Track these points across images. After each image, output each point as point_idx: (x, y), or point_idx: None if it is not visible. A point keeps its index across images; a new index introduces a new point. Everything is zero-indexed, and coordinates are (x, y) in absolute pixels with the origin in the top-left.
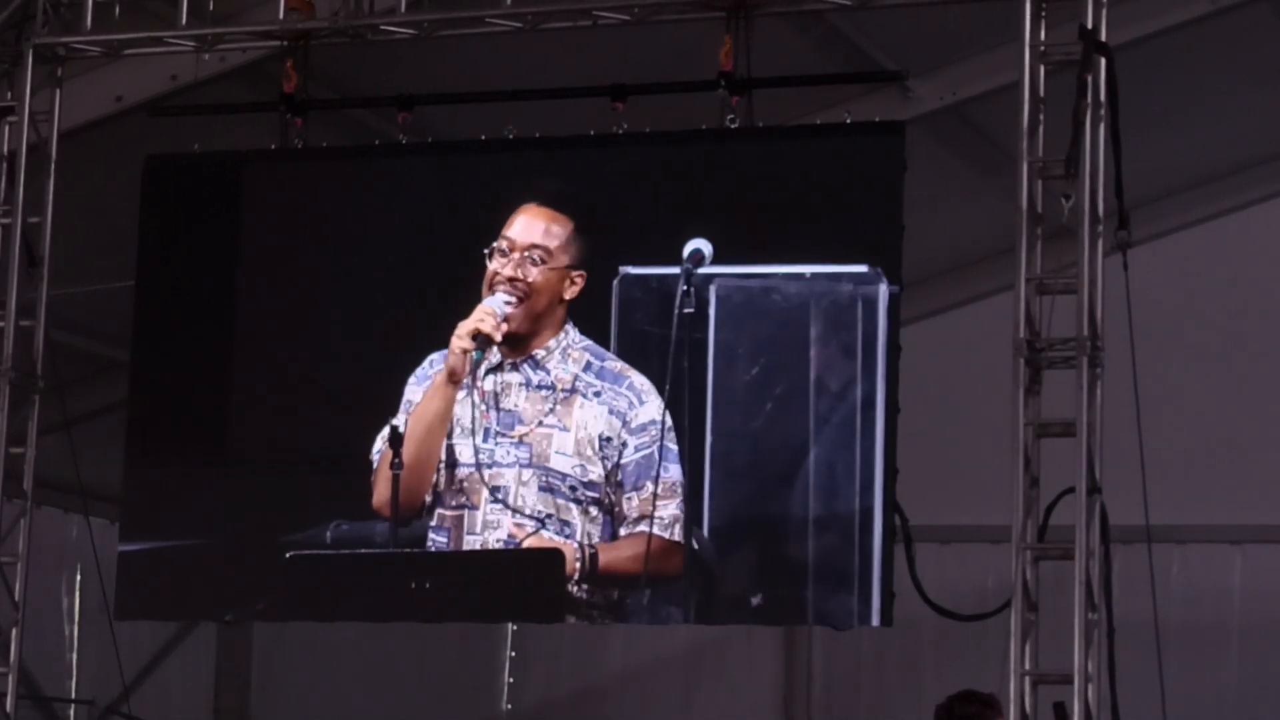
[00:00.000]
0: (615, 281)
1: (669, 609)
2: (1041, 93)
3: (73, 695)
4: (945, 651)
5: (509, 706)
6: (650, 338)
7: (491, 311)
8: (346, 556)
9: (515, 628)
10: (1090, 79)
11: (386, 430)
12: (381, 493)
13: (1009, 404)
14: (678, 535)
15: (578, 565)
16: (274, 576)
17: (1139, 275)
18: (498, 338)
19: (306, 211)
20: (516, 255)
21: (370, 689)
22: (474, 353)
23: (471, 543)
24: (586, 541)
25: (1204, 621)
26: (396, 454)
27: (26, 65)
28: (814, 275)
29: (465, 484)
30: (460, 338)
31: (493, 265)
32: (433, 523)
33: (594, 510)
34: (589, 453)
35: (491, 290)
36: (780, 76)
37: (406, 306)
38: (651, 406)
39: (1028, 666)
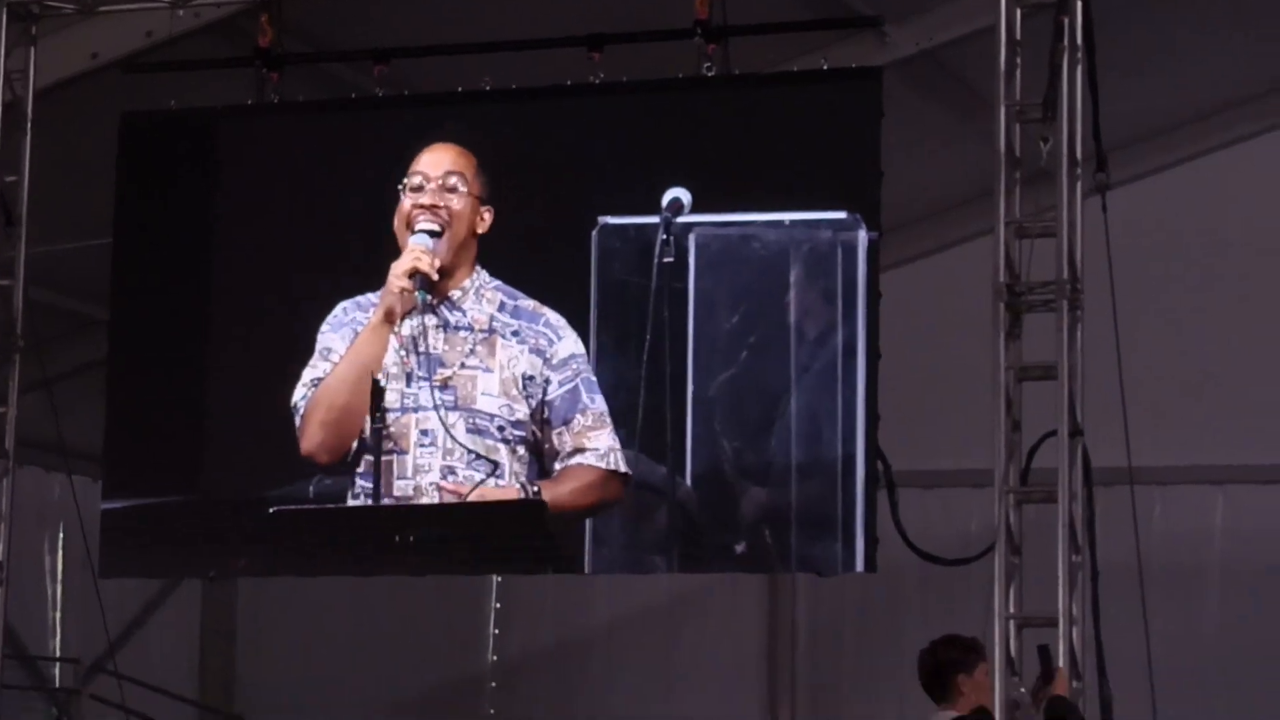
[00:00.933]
0: (594, 232)
1: (652, 557)
2: (1018, 36)
3: (57, 654)
4: (929, 596)
5: (495, 658)
6: (630, 287)
7: (425, 248)
8: (329, 511)
9: (500, 579)
10: (1067, 21)
11: (305, 376)
12: (313, 438)
13: (990, 348)
14: (614, 464)
15: None
16: (257, 532)
17: (1118, 217)
18: (434, 275)
19: (283, 166)
20: (433, 185)
21: (355, 642)
22: (418, 292)
23: (403, 487)
24: (526, 483)
25: (1187, 563)
26: (377, 406)
27: (0, 23)
28: (793, 222)
29: (393, 429)
30: (398, 277)
31: (409, 200)
32: (360, 469)
33: (521, 449)
34: (514, 392)
35: (411, 228)
36: (756, 24)
37: (382, 257)
38: (569, 340)
39: (1012, 610)
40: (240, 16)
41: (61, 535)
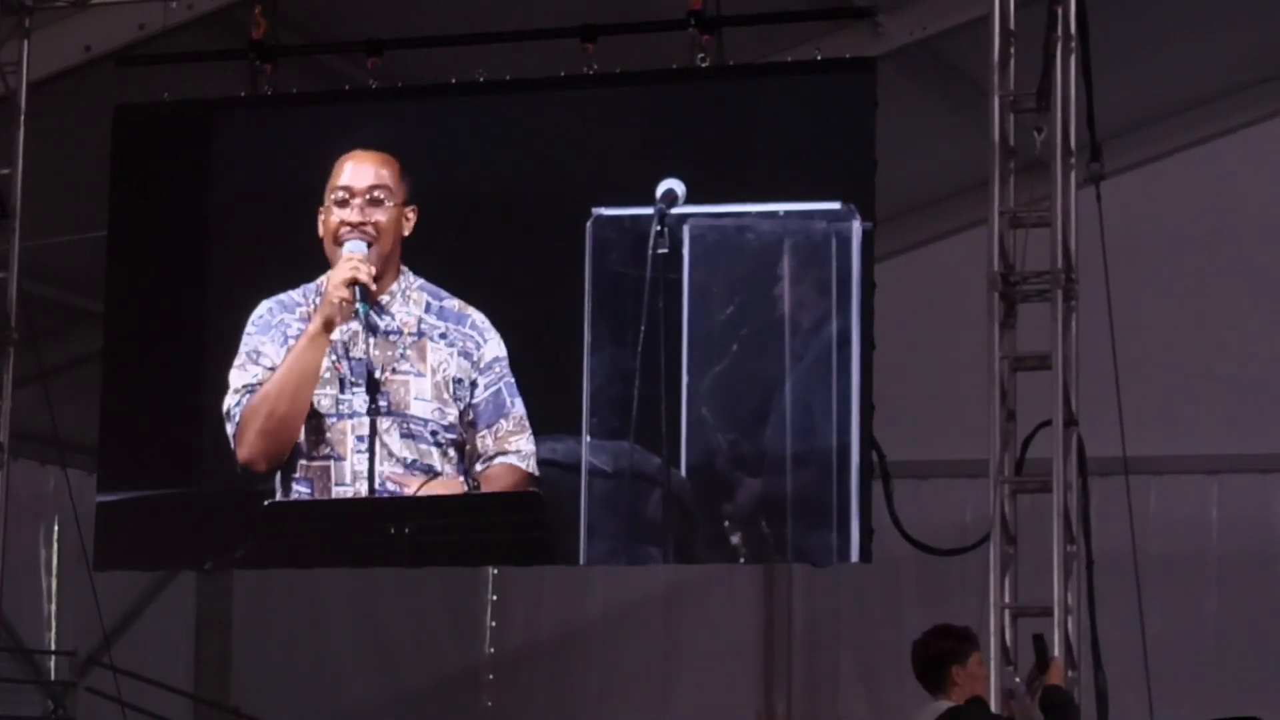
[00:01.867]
0: (588, 223)
1: (648, 549)
2: (1012, 25)
3: (52, 646)
4: (925, 587)
5: (492, 650)
6: (624, 279)
7: (362, 256)
8: (324, 503)
9: (496, 571)
10: (1060, 11)
11: (235, 381)
12: (252, 446)
13: (984, 338)
14: (531, 468)
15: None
16: (252, 524)
17: (1112, 207)
18: (372, 284)
19: (277, 157)
20: (358, 200)
21: (352, 634)
22: (358, 304)
23: (341, 493)
24: (464, 473)
25: (1182, 552)
26: (374, 400)
27: None
28: (787, 213)
29: (329, 435)
30: (336, 286)
31: (335, 216)
32: (295, 474)
33: (451, 451)
34: (445, 396)
35: (338, 240)
36: (750, 14)
37: None
38: (494, 343)
39: (1007, 600)
40: (234, 9)
41: (56, 528)
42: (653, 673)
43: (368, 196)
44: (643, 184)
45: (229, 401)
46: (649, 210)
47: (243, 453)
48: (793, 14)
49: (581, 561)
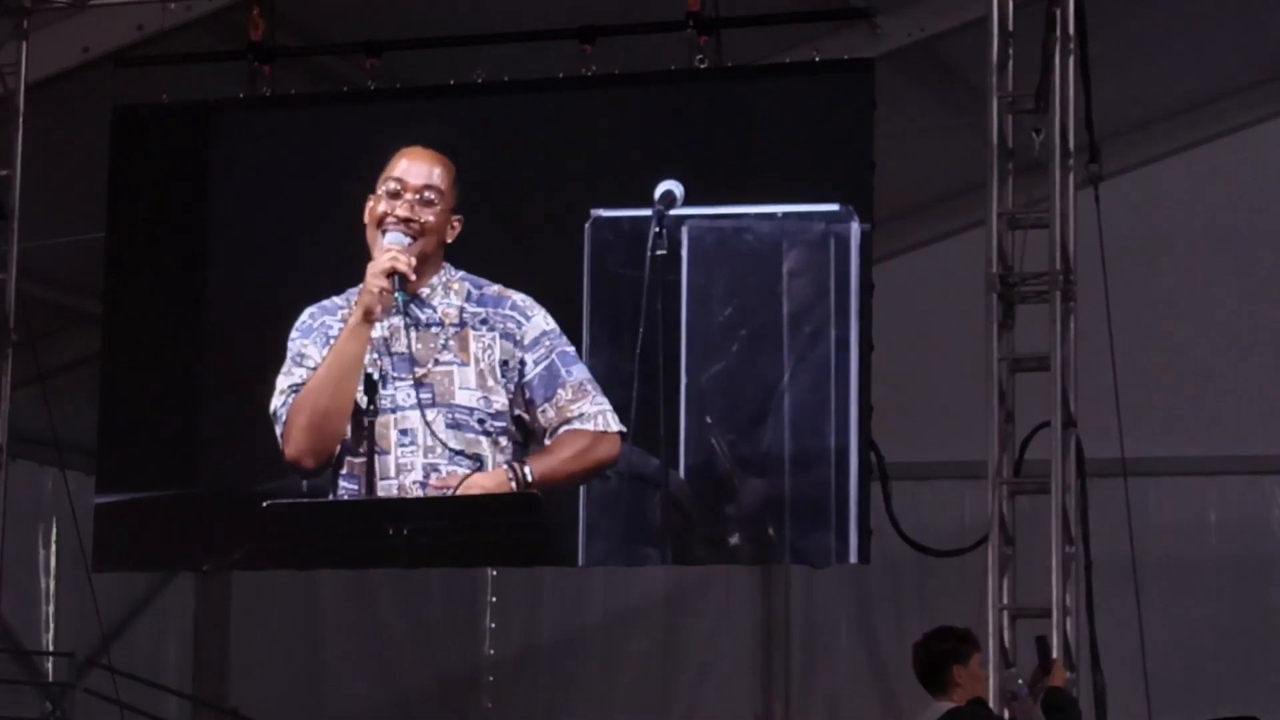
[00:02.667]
0: (587, 225)
1: (646, 550)
2: (1010, 27)
3: (50, 648)
4: (924, 588)
5: (491, 652)
6: (623, 280)
7: (401, 248)
8: (323, 504)
9: (495, 573)
10: (1059, 12)
11: (281, 383)
12: (297, 444)
13: (983, 339)
14: (604, 424)
15: (513, 486)
16: (251, 525)
17: (1111, 209)
18: (412, 275)
19: (275, 158)
20: (409, 196)
21: (350, 635)
22: (396, 294)
23: (386, 487)
24: (512, 462)
25: (1180, 553)
26: (371, 401)
27: None
28: (786, 215)
29: (375, 430)
30: (376, 276)
31: (382, 206)
32: (343, 470)
33: (503, 440)
34: (491, 383)
35: (382, 229)
36: (748, 16)
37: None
38: (539, 318)
39: (1006, 601)
40: (232, 10)
41: (55, 530)
42: (652, 674)
43: (420, 195)
44: (641, 185)
45: (275, 403)
46: (647, 212)
47: (290, 450)
48: (791, 15)
49: (580, 563)
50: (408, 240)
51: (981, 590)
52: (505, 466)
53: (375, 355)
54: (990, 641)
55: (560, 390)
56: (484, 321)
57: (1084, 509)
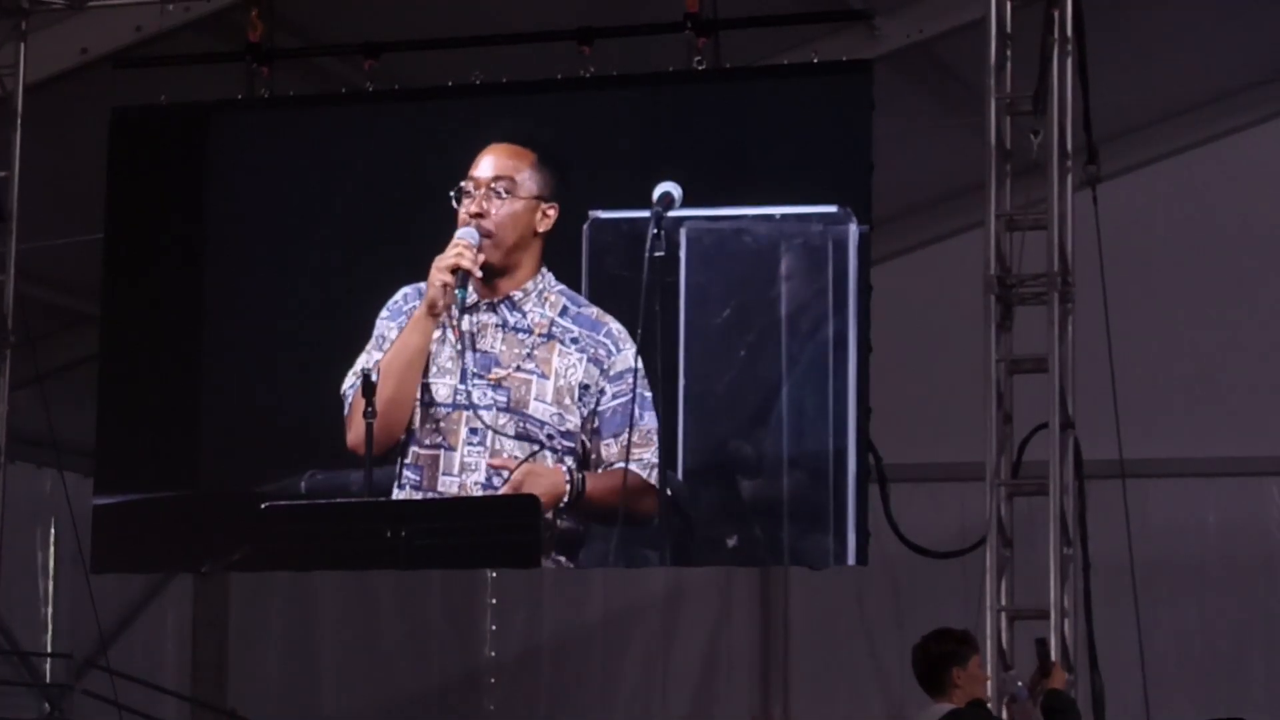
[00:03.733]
0: (585, 226)
1: (644, 551)
2: (1008, 28)
3: (49, 649)
4: (922, 590)
5: (492, 654)
6: (621, 281)
7: (467, 244)
8: (321, 506)
9: (495, 574)
10: (1057, 14)
11: (357, 364)
12: (358, 432)
13: (981, 341)
14: (654, 479)
15: (567, 488)
16: (250, 527)
17: (1109, 210)
18: (477, 272)
19: (274, 160)
20: (481, 191)
21: (350, 638)
22: (457, 290)
23: (447, 484)
24: (574, 468)
25: (1178, 555)
26: (369, 403)
27: None
28: (784, 216)
29: (443, 424)
30: (440, 270)
31: (461, 207)
32: (407, 460)
33: (568, 460)
34: (568, 401)
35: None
36: (747, 17)
37: (374, 252)
38: (629, 354)
39: (1004, 602)
40: (230, 11)
41: (53, 531)
42: (652, 676)
43: (489, 188)
44: (639, 187)
45: (345, 383)
46: (646, 213)
47: (350, 436)
48: (789, 17)
49: (578, 564)
50: (479, 236)
51: (980, 592)
52: (565, 470)
53: (459, 347)
54: (989, 643)
55: (629, 432)
56: (574, 340)
57: (1082, 510)
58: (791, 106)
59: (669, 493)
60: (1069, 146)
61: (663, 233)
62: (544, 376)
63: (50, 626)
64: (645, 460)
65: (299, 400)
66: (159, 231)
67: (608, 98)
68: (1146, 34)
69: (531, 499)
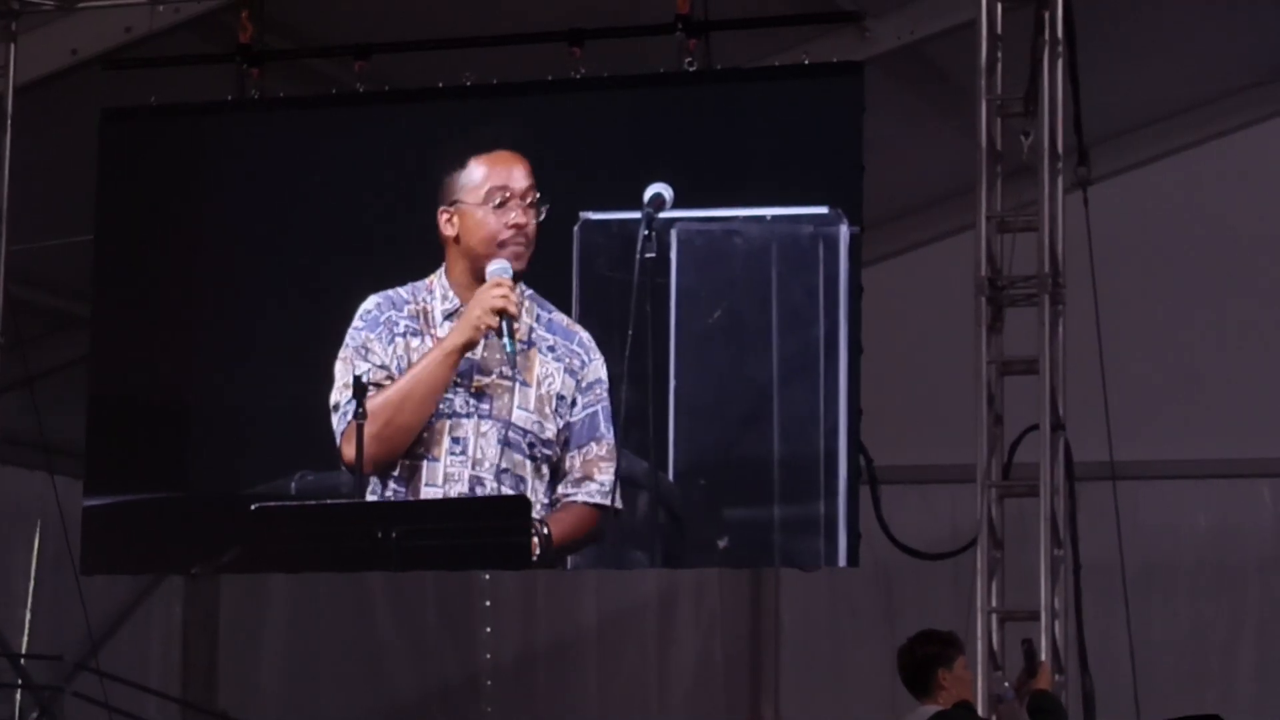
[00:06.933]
0: (575, 227)
1: (635, 553)
2: (999, 30)
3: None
4: (912, 591)
5: (489, 657)
6: (612, 283)
7: (509, 284)
8: (311, 507)
9: (488, 577)
10: (1048, 15)
11: (342, 375)
12: (365, 449)
13: (971, 342)
14: (613, 501)
15: (536, 543)
16: (240, 529)
17: (1099, 212)
18: (521, 316)
19: (264, 162)
20: (520, 201)
21: (343, 641)
22: (505, 342)
23: (430, 495)
24: (542, 516)
25: (1169, 557)
26: (360, 405)
27: None
28: (775, 217)
29: (425, 434)
30: (486, 313)
31: (495, 218)
32: (394, 472)
33: (544, 468)
34: (547, 410)
35: (502, 243)
36: (738, 19)
37: (362, 254)
38: (597, 363)
39: (994, 604)
40: (221, 12)
41: (37, 533)
42: (646, 677)
43: (526, 199)
44: (630, 188)
45: (337, 396)
46: (636, 214)
47: (349, 451)
48: (780, 18)
49: (569, 566)
50: (511, 270)
51: (970, 593)
52: (535, 524)
53: None
54: (979, 644)
55: (593, 444)
56: (551, 349)
57: (1073, 512)
58: (782, 108)
59: (660, 492)
60: (1060, 148)
61: (653, 234)
62: (525, 384)
63: (35, 628)
64: (605, 484)
65: (289, 402)
66: (149, 233)
67: (598, 99)
68: (1137, 36)
69: (522, 499)
